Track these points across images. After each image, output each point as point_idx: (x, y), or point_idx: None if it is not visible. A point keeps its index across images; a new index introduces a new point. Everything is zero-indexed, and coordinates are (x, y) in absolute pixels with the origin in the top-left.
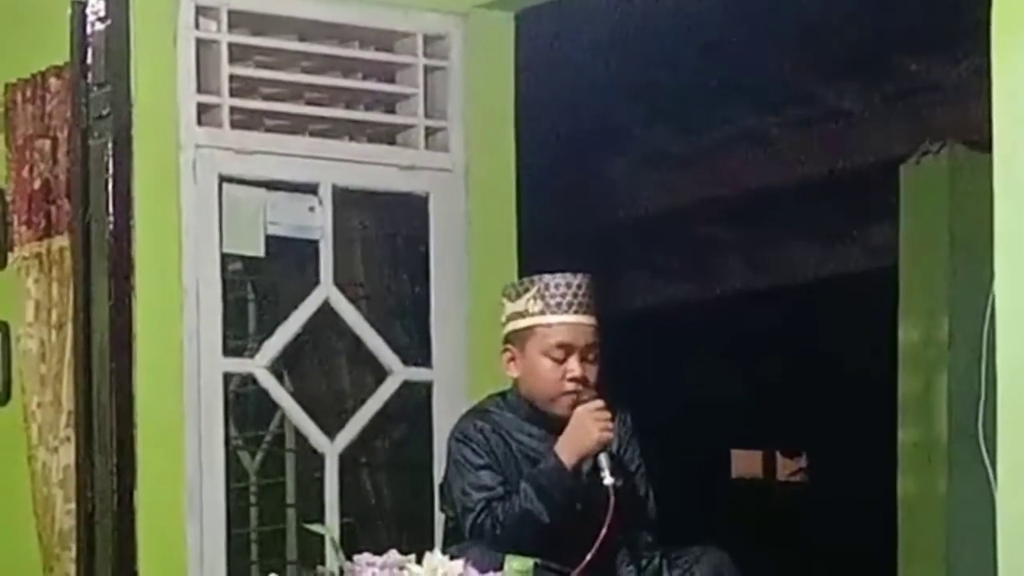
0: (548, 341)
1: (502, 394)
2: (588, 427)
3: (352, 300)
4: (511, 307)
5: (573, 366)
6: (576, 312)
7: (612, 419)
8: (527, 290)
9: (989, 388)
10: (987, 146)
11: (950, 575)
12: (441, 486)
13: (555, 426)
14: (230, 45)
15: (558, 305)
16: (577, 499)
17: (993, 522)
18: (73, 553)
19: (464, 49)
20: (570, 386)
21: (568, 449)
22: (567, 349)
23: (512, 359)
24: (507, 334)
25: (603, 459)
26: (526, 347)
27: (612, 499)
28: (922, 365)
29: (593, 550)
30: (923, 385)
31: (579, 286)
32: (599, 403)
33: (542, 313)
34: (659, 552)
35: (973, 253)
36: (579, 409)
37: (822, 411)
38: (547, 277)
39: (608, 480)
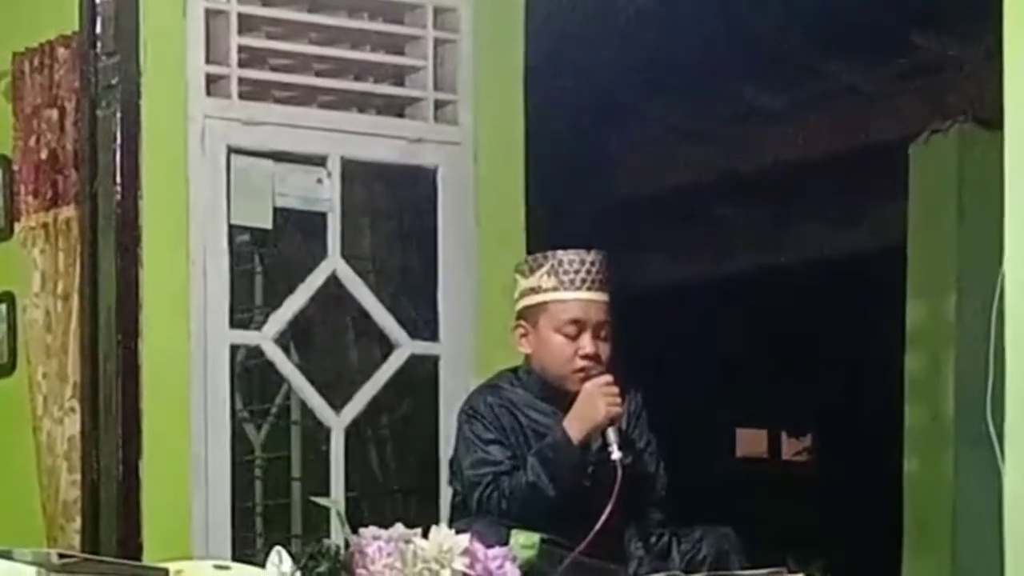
0: (561, 317)
1: (513, 370)
2: (596, 402)
3: (360, 273)
4: (524, 283)
5: (586, 343)
6: (589, 289)
7: (621, 395)
8: (540, 266)
9: (997, 368)
10: (997, 125)
11: (956, 556)
12: (451, 461)
13: (566, 403)
14: (239, 15)
15: (571, 281)
16: (584, 474)
17: (1000, 502)
18: (77, 524)
19: (474, 21)
20: (582, 363)
21: (576, 424)
22: (580, 326)
23: (524, 335)
24: (520, 310)
25: (611, 434)
26: (539, 323)
27: (619, 474)
28: (930, 345)
29: (599, 524)
30: (930, 365)
31: (592, 263)
32: (608, 378)
33: (555, 289)
34: (668, 530)
35: (982, 232)
36: (587, 384)
37: (828, 390)
38: (560, 253)
39: (616, 455)
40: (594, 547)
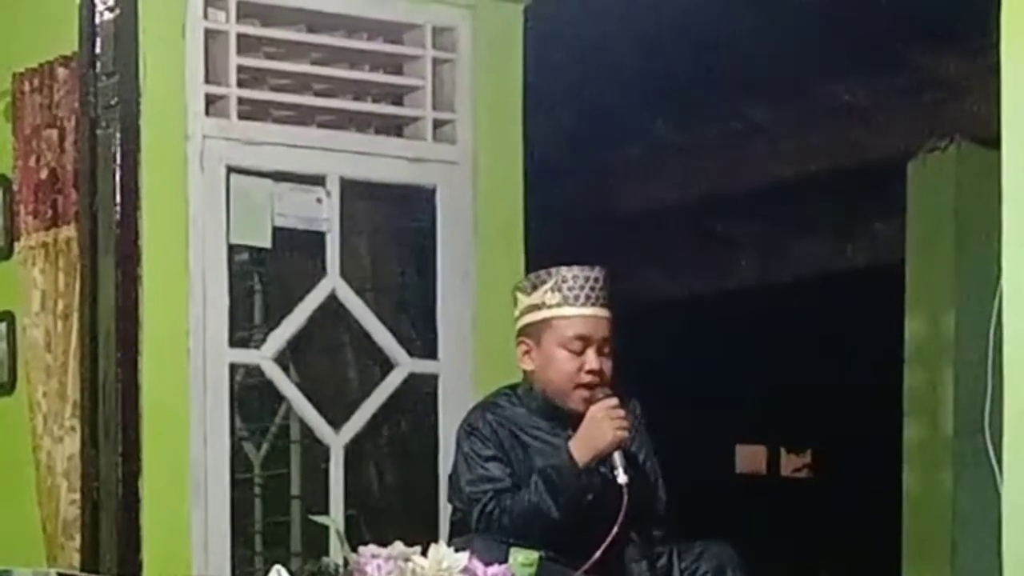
0: (566, 333)
1: (512, 387)
2: (603, 426)
3: (358, 292)
4: (526, 300)
5: (590, 359)
6: (594, 305)
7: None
8: (543, 283)
9: (995, 383)
10: (995, 142)
11: (956, 571)
12: (450, 478)
13: (565, 421)
14: (238, 36)
15: (576, 298)
16: (588, 497)
17: (999, 518)
18: (77, 543)
19: (472, 41)
20: (587, 379)
21: (582, 447)
22: (585, 341)
23: (527, 352)
24: (522, 327)
25: (617, 458)
26: (542, 340)
27: (625, 499)
28: (928, 361)
29: (602, 549)
30: (929, 380)
31: (596, 279)
32: (614, 401)
33: (559, 305)
34: (668, 546)
35: (980, 249)
36: (594, 408)
37: (827, 407)
38: (564, 270)
39: (622, 479)
40: (596, 564)
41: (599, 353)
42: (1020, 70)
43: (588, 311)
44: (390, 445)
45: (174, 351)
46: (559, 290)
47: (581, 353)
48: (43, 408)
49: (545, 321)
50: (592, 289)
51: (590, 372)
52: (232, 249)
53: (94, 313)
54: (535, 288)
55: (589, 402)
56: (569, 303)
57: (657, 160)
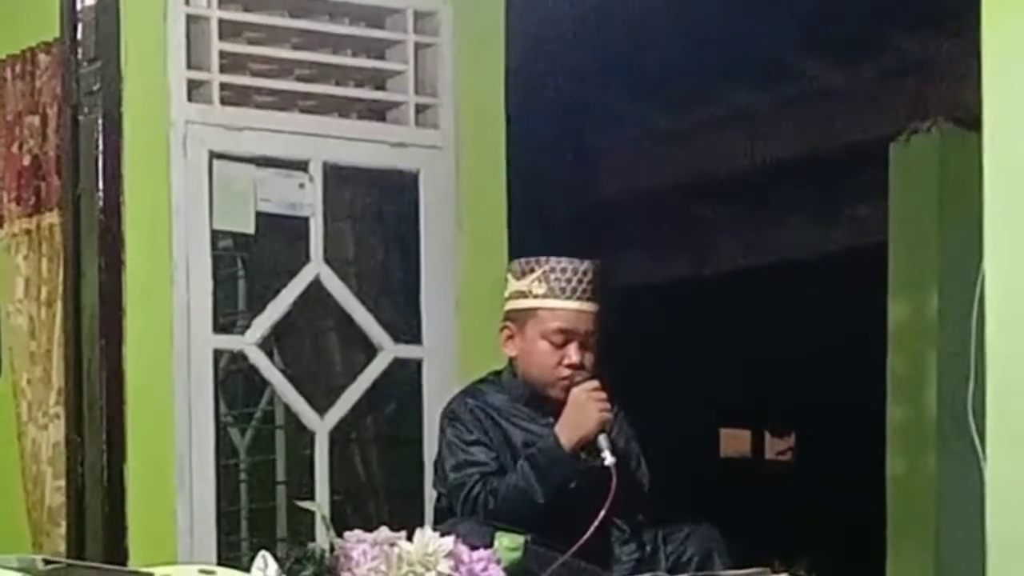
0: (549, 325)
1: (496, 373)
2: (587, 409)
3: (342, 277)
4: (515, 285)
5: (571, 352)
6: (580, 299)
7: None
8: (532, 270)
9: (979, 366)
10: (977, 124)
11: (940, 553)
12: (435, 464)
13: (547, 408)
14: (220, 21)
15: (562, 290)
16: (573, 480)
17: (982, 500)
18: (63, 529)
19: (454, 25)
20: (566, 372)
21: (567, 431)
22: (567, 335)
23: (510, 337)
24: (508, 311)
25: (602, 440)
26: (526, 328)
27: (614, 480)
28: (911, 343)
29: (591, 531)
30: (912, 363)
31: (585, 272)
32: (595, 383)
33: (545, 296)
34: (653, 530)
35: (962, 231)
36: (576, 390)
37: (811, 390)
38: (553, 260)
39: (609, 460)
40: (580, 549)
41: (581, 347)
42: (1001, 52)
43: (573, 304)
44: (375, 430)
45: (158, 337)
46: (546, 280)
47: (563, 346)
48: (27, 395)
49: (530, 310)
50: (580, 282)
51: (570, 366)
52: (215, 235)
53: (78, 300)
54: (524, 275)
55: (569, 391)
56: (555, 295)
57: (639, 144)
